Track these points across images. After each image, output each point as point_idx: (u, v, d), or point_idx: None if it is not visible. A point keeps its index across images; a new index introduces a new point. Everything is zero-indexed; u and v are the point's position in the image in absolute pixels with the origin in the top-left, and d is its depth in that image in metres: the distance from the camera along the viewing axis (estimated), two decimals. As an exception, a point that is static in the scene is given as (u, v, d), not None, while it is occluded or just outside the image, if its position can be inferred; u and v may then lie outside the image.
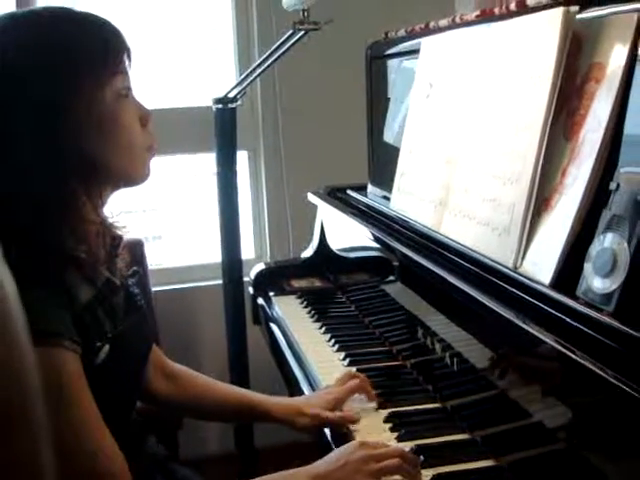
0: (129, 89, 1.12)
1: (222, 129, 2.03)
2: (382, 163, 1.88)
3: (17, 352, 0.36)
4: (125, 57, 1.11)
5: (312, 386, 1.50)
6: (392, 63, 1.91)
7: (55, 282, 1.03)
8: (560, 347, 0.91)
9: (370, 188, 1.92)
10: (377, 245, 1.64)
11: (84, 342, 1.03)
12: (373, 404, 1.36)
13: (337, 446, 1.19)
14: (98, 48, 1.07)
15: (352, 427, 1.29)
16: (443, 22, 1.62)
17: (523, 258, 1.11)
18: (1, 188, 1.04)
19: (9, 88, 1.02)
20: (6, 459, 0.36)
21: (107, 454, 1.02)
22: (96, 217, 1.12)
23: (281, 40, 1.82)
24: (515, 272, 1.10)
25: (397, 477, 1.10)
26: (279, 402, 1.40)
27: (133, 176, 1.15)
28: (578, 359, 0.87)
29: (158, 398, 1.40)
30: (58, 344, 0.98)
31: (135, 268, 1.28)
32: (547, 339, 0.94)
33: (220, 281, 2.23)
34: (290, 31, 1.77)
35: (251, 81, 1.99)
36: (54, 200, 1.04)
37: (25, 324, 0.37)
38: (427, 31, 1.68)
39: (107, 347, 1.08)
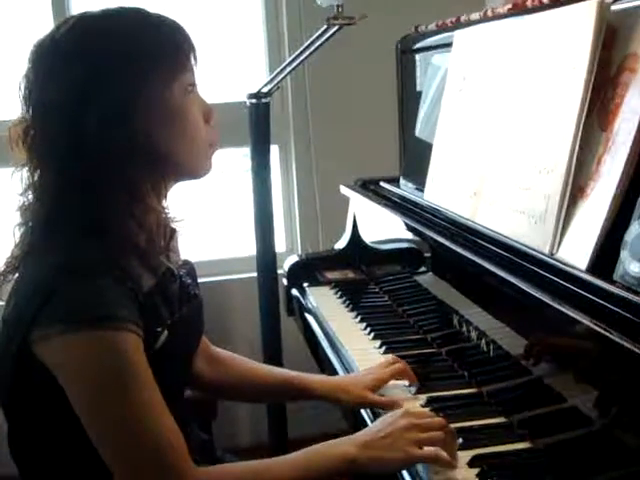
0: (195, 85, 1.17)
1: (256, 124, 2.06)
2: (414, 156, 1.89)
3: None
4: (192, 56, 1.16)
5: (349, 373, 1.51)
6: (423, 57, 1.93)
7: (119, 270, 1.07)
8: (598, 329, 0.92)
9: (402, 181, 1.93)
10: (410, 236, 1.66)
11: (145, 328, 1.07)
12: (412, 389, 1.38)
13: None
14: (170, 46, 1.12)
15: (391, 411, 1.31)
16: (474, 16, 1.64)
17: (559, 245, 1.13)
18: (72, 176, 1.07)
19: (89, 80, 1.06)
20: None
21: (171, 432, 1.04)
22: (158, 207, 1.16)
23: (315, 35, 1.84)
24: (551, 258, 1.12)
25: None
26: (322, 379, 1.43)
27: (196, 169, 1.20)
28: (617, 340, 0.88)
29: (201, 382, 1.43)
30: (123, 327, 1.02)
31: (186, 259, 1.33)
32: (585, 321, 0.95)
33: (254, 274, 2.26)
34: (324, 26, 1.79)
35: (284, 76, 2.01)
36: (121, 188, 1.09)
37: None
38: (458, 25, 1.70)
39: (166, 333, 1.13)
